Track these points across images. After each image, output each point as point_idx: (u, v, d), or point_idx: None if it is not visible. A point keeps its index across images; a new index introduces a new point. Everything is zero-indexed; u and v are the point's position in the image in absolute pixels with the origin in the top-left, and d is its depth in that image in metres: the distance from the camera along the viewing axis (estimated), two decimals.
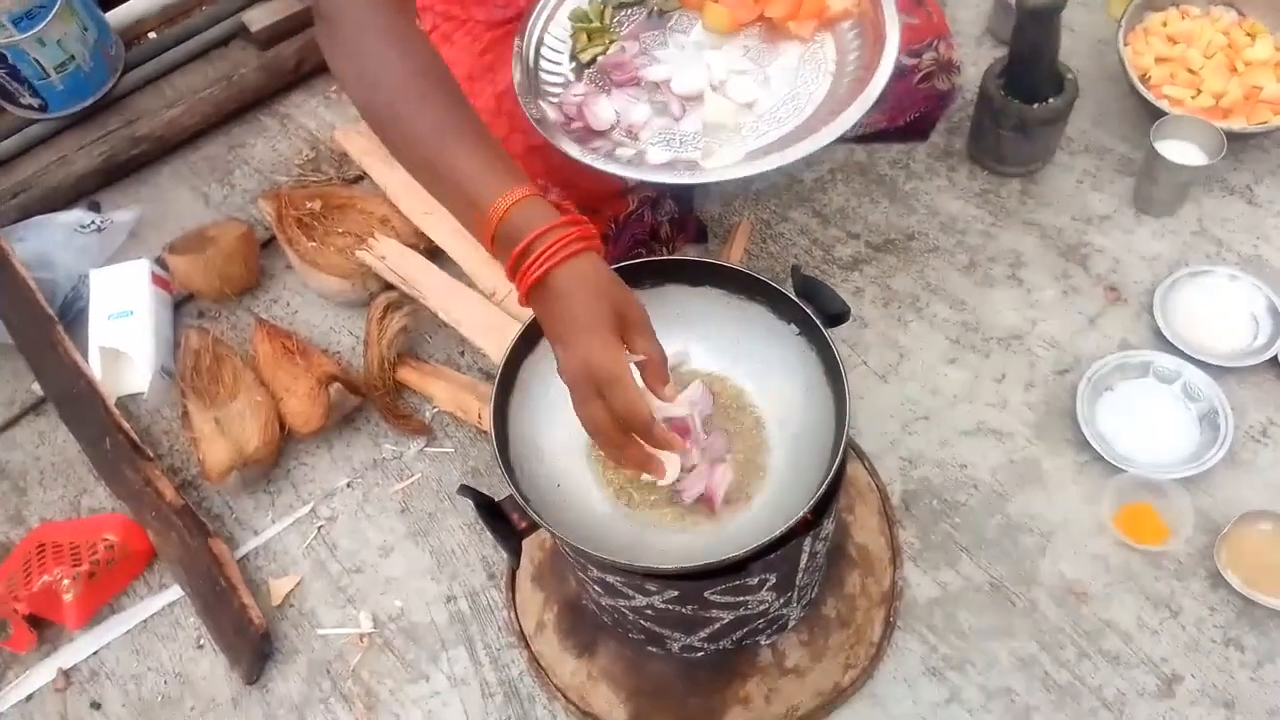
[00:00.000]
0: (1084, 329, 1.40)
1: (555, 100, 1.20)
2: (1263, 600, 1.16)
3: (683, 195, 1.57)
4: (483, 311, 1.40)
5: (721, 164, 1.12)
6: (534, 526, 0.91)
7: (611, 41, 1.24)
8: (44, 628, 1.33)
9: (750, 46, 1.22)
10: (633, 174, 1.13)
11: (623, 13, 1.27)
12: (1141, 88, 1.50)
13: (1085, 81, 1.59)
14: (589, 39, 1.24)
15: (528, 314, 1.00)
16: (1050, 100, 1.44)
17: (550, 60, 1.25)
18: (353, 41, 0.91)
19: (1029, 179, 1.55)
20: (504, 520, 0.92)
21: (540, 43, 1.25)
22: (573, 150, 1.13)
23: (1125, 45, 1.54)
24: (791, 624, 1.16)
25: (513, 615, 1.26)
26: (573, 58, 1.24)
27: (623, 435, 0.84)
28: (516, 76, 1.21)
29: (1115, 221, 1.49)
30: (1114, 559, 1.23)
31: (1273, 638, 1.16)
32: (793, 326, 1.01)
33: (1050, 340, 1.40)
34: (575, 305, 0.84)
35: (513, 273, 0.85)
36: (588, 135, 1.17)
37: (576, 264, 0.84)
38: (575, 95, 1.20)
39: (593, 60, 1.23)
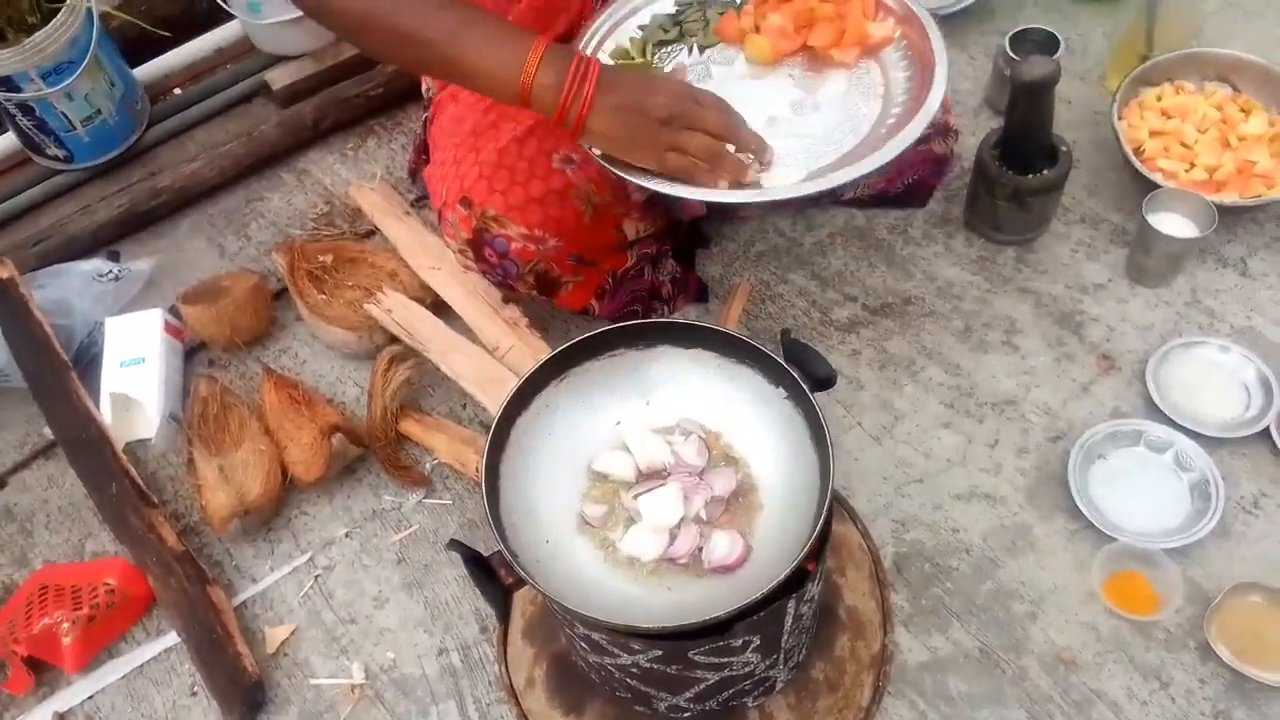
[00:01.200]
0: (1077, 396, 1.42)
1: None
2: (1253, 673, 1.16)
3: (686, 253, 1.61)
4: (484, 365, 1.43)
5: (784, 182, 1.12)
6: (521, 583, 0.93)
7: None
8: (42, 670, 1.35)
9: (795, 75, 1.25)
10: (701, 196, 1.12)
11: (663, 49, 1.29)
12: (1135, 161, 1.53)
13: (1080, 153, 1.63)
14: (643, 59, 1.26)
15: (527, 369, 1.04)
16: (1045, 171, 1.47)
17: None
18: None
19: (1025, 247, 1.57)
20: (492, 576, 0.94)
21: None
22: (637, 178, 1.12)
23: (1120, 119, 1.57)
24: (779, 686, 1.16)
25: (503, 670, 1.26)
26: None
27: (720, 148, 1.08)
28: None
29: (1110, 291, 1.51)
30: (1104, 628, 1.23)
31: (1263, 711, 1.16)
32: (781, 390, 1.03)
33: (1043, 407, 1.41)
34: (632, 75, 1.11)
35: (569, 96, 1.05)
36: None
37: (610, 67, 1.09)
38: None
39: None
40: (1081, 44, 1.82)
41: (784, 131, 1.18)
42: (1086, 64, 1.79)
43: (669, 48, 1.29)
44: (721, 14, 1.30)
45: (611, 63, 1.25)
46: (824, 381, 1.01)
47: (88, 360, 1.61)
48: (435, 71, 1.17)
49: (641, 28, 1.30)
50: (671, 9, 1.32)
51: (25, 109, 1.73)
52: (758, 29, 1.27)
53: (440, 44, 1.07)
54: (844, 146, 1.16)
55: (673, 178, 1.11)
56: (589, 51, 1.27)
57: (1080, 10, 1.87)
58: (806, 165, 1.14)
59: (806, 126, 1.19)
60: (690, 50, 1.29)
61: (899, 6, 1.24)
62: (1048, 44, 1.66)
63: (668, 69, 1.27)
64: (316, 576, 1.39)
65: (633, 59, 1.27)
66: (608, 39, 1.28)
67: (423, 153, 1.64)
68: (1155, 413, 1.37)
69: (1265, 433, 1.33)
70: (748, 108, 1.18)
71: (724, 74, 1.26)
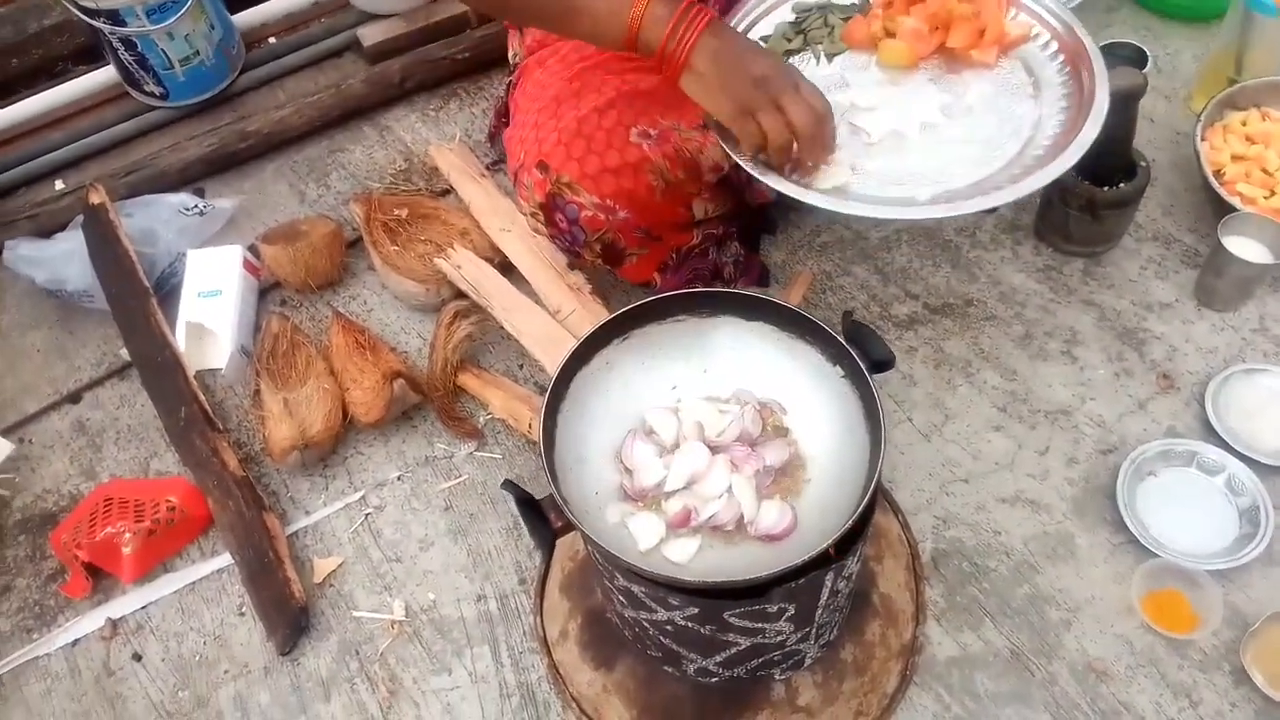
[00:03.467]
0: (1133, 412, 1.41)
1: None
2: None
3: (750, 237, 1.62)
4: (546, 326, 1.46)
5: (953, 197, 1.08)
6: (569, 527, 0.96)
7: None
8: (100, 577, 1.41)
9: (935, 79, 1.21)
10: (846, 209, 1.08)
11: (789, 59, 1.24)
12: (1215, 183, 1.51)
13: (1159, 171, 1.61)
14: None
15: (580, 337, 1.06)
16: (1121, 185, 1.46)
17: None
18: None
19: (1093, 260, 1.56)
20: (542, 518, 0.97)
21: None
22: (775, 182, 1.11)
23: (1203, 140, 1.56)
24: (807, 662, 1.18)
25: (538, 621, 1.30)
26: None
27: (789, 145, 1.08)
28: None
29: (1176, 311, 1.50)
30: (1138, 642, 1.23)
31: None
32: (839, 369, 1.05)
33: (1097, 419, 1.41)
34: (744, 38, 1.13)
35: (676, 31, 1.06)
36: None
37: (725, 23, 1.10)
38: None
39: None
40: (1170, 63, 1.80)
41: (943, 138, 1.14)
42: (1173, 83, 1.77)
43: (793, 57, 1.25)
44: (845, 19, 1.26)
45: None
46: (882, 364, 1.02)
47: (168, 289, 1.67)
48: (549, 20, 1.17)
49: (764, 39, 1.27)
50: (791, 17, 1.29)
51: (128, 44, 1.80)
52: (888, 32, 1.23)
53: None
54: (1008, 150, 1.12)
55: (819, 190, 1.10)
56: None
57: (1171, 29, 1.85)
58: (976, 174, 1.10)
59: (966, 131, 1.15)
60: (818, 59, 1.25)
61: (1030, 2, 1.22)
62: (1136, 59, 1.65)
63: None
64: (367, 515, 1.43)
65: None
66: None
67: (503, 116, 1.68)
68: (1211, 435, 1.36)
69: None
70: (895, 114, 1.16)
71: (860, 80, 1.22)
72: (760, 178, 1.12)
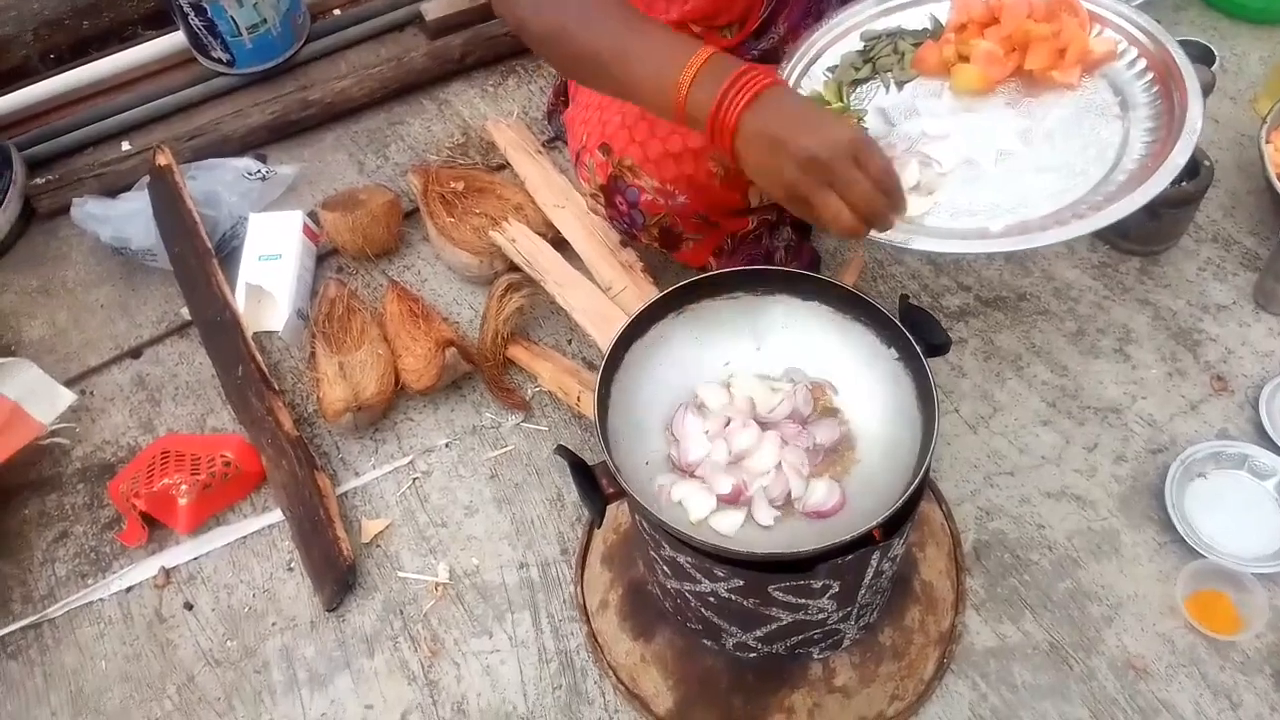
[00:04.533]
0: (1184, 413, 1.40)
1: None
2: None
3: (803, 224, 1.62)
4: (597, 302, 1.48)
5: (1028, 227, 1.01)
6: (620, 494, 0.97)
7: (859, 120, 1.14)
8: (155, 527, 1.45)
9: (1013, 103, 1.13)
10: (915, 245, 1.01)
11: (858, 89, 1.18)
12: (1279, 186, 1.49)
13: (1221, 172, 1.59)
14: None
15: (647, 298, 1.07)
16: (1183, 184, 1.45)
17: None
18: None
19: (1150, 259, 1.55)
20: (594, 485, 0.98)
21: None
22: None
23: (1267, 143, 1.53)
24: (846, 642, 1.19)
25: (579, 590, 1.32)
26: None
27: (855, 228, 0.93)
28: None
29: (1232, 313, 1.48)
30: (1180, 641, 1.22)
31: None
32: (893, 351, 1.05)
33: (1148, 418, 1.40)
34: (801, 105, 0.96)
35: (720, 107, 0.93)
36: None
37: (782, 88, 0.95)
38: None
39: None
40: (1236, 64, 1.78)
41: (1021, 166, 1.07)
42: (1239, 85, 1.75)
43: (863, 86, 1.18)
44: (916, 44, 1.19)
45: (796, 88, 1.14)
46: (938, 347, 1.02)
47: (229, 251, 1.71)
48: (611, 90, 1.06)
49: (830, 69, 1.20)
50: (859, 45, 1.22)
51: (198, 9, 1.84)
52: (961, 57, 1.16)
53: (609, 62, 1.01)
54: (1092, 175, 1.04)
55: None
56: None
57: (1239, 30, 1.82)
58: (1055, 203, 1.03)
59: (1044, 158, 1.07)
60: (888, 87, 1.18)
61: (1114, 16, 1.15)
62: (1203, 57, 1.63)
63: (867, 109, 1.16)
64: (415, 479, 1.46)
65: (829, 104, 1.16)
66: (799, 85, 1.18)
67: (561, 95, 1.70)
68: (1264, 439, 1.35)
69: None
70: (968, 142, 1.09)
71: (932, 108, 1.14)
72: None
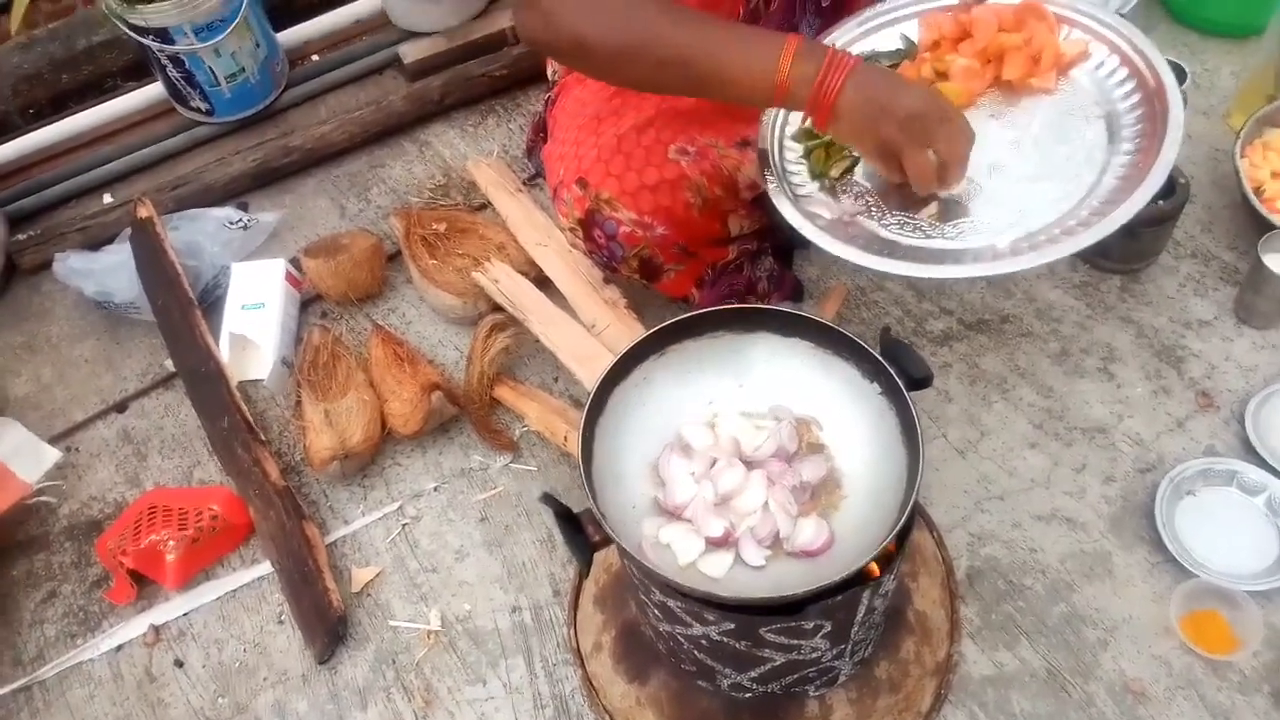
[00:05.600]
0: (1171, 430, 1.40)
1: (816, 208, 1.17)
2: None
3: (784, 252, 1.63)
4: (581, 340, 1.48)
5: (1035, 239, 1.04)
6: (607, 541, 0.97)
7: (853, 153, 1.17)
8: (143, 584, 1.44)
9: (997, 114, 1.17)
10: (935, 273, 1.06)
11: None
12: (1255, 200, 1.50)
13: (1197, 188, 1.60)
14: (828, 155, 1.18)
15: (622, 347, 1.08)
16: (1159, 202, 1.45)
17: (793, 168, 1.20)
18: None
19: (1131, 277, 1.56)
20: (580, 532, 0.98)
21: (781, 155, 1.22)
22: (821, 240, 1.09)
23: (1242, 157, 1.54)
24: (842, 679, 1.18)
25: (572, 633, 1.31)
26: (817, 176, 1.19)
27: (934, 179, 1.05)
28: (768, 181, 1.19)
29: (1215, 329, 1.49)
30: (1176, 663, 1.22)
31: None
32: (876, 386, 1.05)
33: (1135, 437, 1.40)
34: (892, 75, 1.08)
35: (823, 80, 1.03)
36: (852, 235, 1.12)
37: (871, 64, 1.08)
38: (848, 215, 1.15)
39: (844, 174, 1.18)
40: (1208, 80, 1.79)
41: (1014, 177, 1.10)
42: (1212, 100, 1.76)
43: None
44: (893, 66, 1.22)
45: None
46: (920, 381, 1.02)
47: (212, 301, 1.71)
48: (689, 88, 1.14)
49: None
50: None
51: (176, 61, 1.84)
52: (939, 74, 1.19)
53: (700, 60, 1.08)
54: (1085, 179, 1.08)
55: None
56: (770, 147, 1.22)
57: (1210, 45, 1.84)
58: (1055, 211, 1.06)
59: (1035, 166, 1.11)
60: None
61: (1081, 18, 1.19)
62: (1174, 75, 1.64)
63: None
64: (404, 525, 1.45)
65: (818, 139, 1.18)
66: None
67: (540, 131, 1.70)
68: (1251, 455, 1.35)
69: None
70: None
71: None
72: (837, 253, 1.08)
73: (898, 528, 0.92)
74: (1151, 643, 1.24)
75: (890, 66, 1.22)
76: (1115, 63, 1.16)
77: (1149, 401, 1.43)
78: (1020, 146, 1.13)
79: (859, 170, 1.18)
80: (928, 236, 1.10)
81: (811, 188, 1.18)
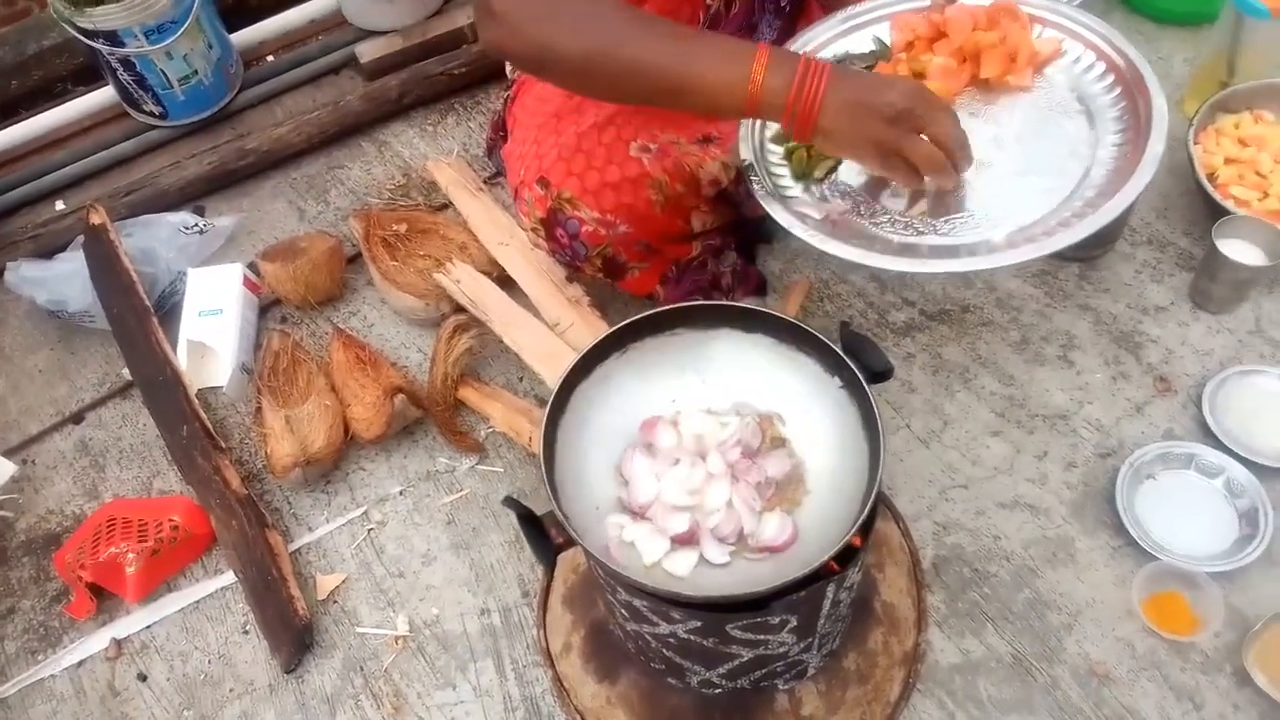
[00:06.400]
0: (1130, 415, 1.42)
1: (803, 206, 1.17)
2: None
3: (748, 247, 1.63)
4: (544, 340, 1.47)
5: (1031, 232, 1.05)
6: (570, 543, 0.96)
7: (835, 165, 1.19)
8: (104, 598, 1.42)
9: (977, 112, 1.18)
10: (904, 266, 1.07)
11: None
12: (1209, 186, 1.52)
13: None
14: (810, 156, 1.19)
15: (586, 345, 1.07)
16: None
17: (777, 170, 1.21)
18: (549, 4, 1.06)
19: (1088, 264, 1.57)
20: (543, 535, 0.97)
21: (764, 159, 1.22)
22: (822, 243, 1.09)
23: (1195, 144, 1.56)
24: (810, 672, 1.19)
25: (541, 634, 1.30)
26: (800, 178, 1.20)
27: (944, 161, 1.04)
28: (756, 187, 1.17)
29: (1171, 314, 1.51)
30: (1140, 645, 1.23)
31: None
32: (837, 380, 1.05)
33: (1095, 423, 1.42)
34: (865, 75, 1.06)
35: (801, 90, 1.01)
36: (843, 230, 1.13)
37: (843, 67, 1.05)
38: (837, 214, 1.16)
39: (828, 174, 1.19)
40: (1163, 68, 1.81)
41: (1002, 173, 1.12)
42: (1166, 88, 1.74)
43: None
44: (869, 68, 1.22)
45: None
46: (880, 374, 1.02)
47: (168, 307, 1.68)
48: (660, 98, 1.09)
49: None
50: None
51: (127, 64, 1.81)
52: (916, 74, 1.20)
53: (667, 69, 1.04)
54: (1072, 172, 1.10)
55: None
56: (751, 147, 1.21)
57: (1164, 33, 1.86)
58: (1046, 204, 1.08)
59: (1021, 162, 1.12)
60: None
61: (1053, 16, 1.21)
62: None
63: None
64: (369, 530, 1.44)
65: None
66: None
67: (500, 130, 1.69)
68: (1209, 438, 1.36)
69: None
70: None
71: None
72: (839, 253, 1.08)
73: (859, 521, 0.92)
74: (1115, 625, 1.25)
75: (866, 68, 1.23)
76: (1091, 58, 1.18)
77: (1108, 387, 1.45)
78: (1003, 143, 1.14)
79: (843, 169, 1.19)
80: (920, 234, 1.11)
81: (797, 189, 1.19)
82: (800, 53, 1.05)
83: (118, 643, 1.38)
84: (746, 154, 1.20)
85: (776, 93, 1.02)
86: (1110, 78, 1.17)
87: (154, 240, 1.69)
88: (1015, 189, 1.11)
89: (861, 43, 1.26)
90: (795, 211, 1.14)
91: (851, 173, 1.19)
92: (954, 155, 1.05)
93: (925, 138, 1.03)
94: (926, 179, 1.07)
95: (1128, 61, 1.16)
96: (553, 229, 1.36)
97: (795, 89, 1.01)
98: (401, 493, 1.47)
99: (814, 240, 1.10)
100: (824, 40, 1.27)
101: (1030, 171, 1.11)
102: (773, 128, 1.24)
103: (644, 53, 1.05)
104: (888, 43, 1.26)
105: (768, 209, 1.15)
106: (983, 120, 1.17)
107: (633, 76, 1.06)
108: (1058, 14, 1.21)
